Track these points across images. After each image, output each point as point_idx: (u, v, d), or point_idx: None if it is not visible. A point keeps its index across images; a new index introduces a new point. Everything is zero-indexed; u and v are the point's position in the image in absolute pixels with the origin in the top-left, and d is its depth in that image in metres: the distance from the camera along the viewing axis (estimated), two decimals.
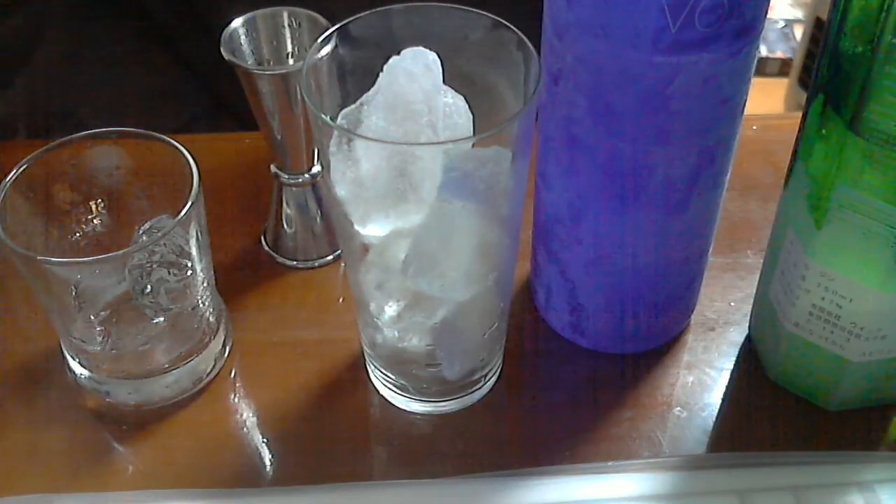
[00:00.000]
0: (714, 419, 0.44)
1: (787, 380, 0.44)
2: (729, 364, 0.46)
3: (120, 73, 0.70)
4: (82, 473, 0.42)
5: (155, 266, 0.40)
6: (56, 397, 0.44)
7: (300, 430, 0.43)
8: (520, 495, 0.41)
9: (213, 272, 0.44)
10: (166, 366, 0.43)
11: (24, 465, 0.42)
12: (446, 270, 0.38)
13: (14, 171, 0.40)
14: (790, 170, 0.40)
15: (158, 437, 0.43)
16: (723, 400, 0.44)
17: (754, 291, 0.46)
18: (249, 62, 0.45)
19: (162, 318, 0.42)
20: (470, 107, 0.37)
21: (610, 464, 0.42)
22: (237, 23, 0.44)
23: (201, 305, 0.43)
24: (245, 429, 0.44)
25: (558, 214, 0.42)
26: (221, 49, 0.43)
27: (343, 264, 0.51)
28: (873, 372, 0.41)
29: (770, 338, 0.44)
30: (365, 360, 0.45)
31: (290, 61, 0.46)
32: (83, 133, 0.42)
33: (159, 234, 0.40)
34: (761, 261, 0.45)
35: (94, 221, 0.44)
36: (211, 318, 0.45)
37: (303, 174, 0.48)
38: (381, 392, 0.44)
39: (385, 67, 0.36)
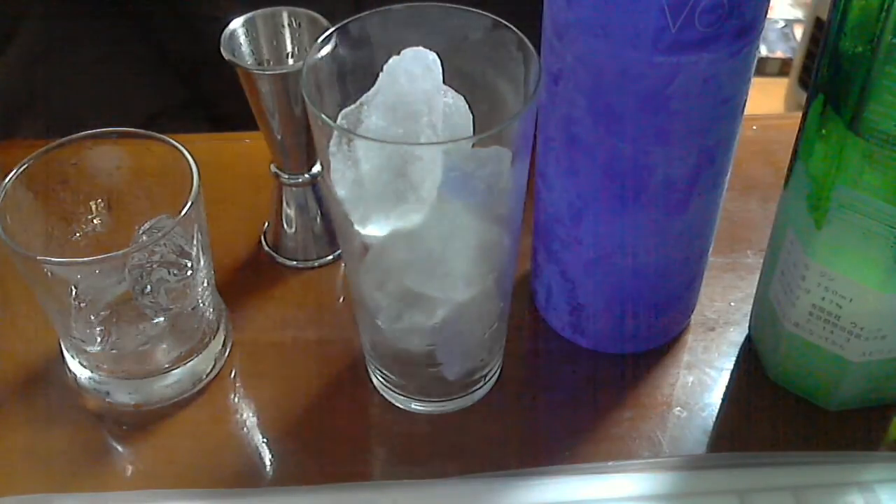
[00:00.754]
0: (714, 419, 0.44)
1: (787, 380, 0.44)
2: (729, 364, 0.46)
3: (88, 66, 0.70)
4: (82, 473, 0.42)
5: (155, 266, 0.40)
6: (56, 397, 0.44)
7: (300, 430, 0.43)
8: (520, 495, 0.41)
9: (213, 272, 0.44)
10: (166, 366, 0.43)
11: (24, 465, 0.42)
12: (446, 270, 0.38)
13: (14, 171, 0.40)
14: (790, 170, 0.40)
15: (158, 437, 0.43)
16: (723, 400, 0.44)
17: (754, 291, 0.46)
18: (249, 62, 0.45)
19: (162, 318, 0.42)
20: (470, 107, 0.37)
21: (610, 464, 0.42)
22: (237, 23, 0.44)
23: (201, 305, 0.43)
24: (245, 429, 0.44)
25: (558, 214, 0.42)
26: (221, 49, 0.43)
27: (343, 264, 0.51)
28: (873, 372, 0.41)
29: (770, 338, 0.44)
30: (365, 360, 0.45)
31: (290, 61, 0.46)
32: (83, 133, 0.42)
33: (159, 234, 0.40)
34: (761, 261, 0.45)
35: (94, 221, 0.44)
36: (211, 318, 0.45)
37: (303, 174, 0.48)
38: (381, 392, 0.44)
39: (385, 67, 0.36)
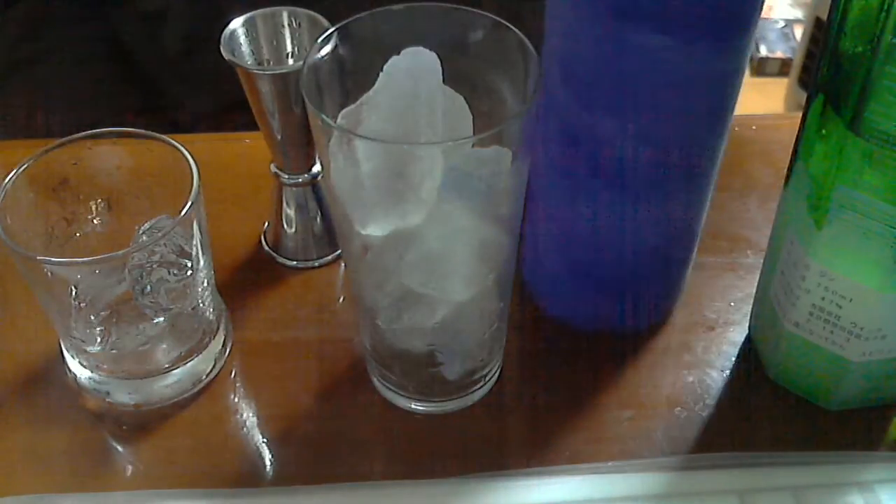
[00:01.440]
0: (714, 419, 0.44)
1: (787, 380, 0.44)
2: (729, 364, 0.46)
3: (52, 66, 0.70)
4: (82, 473, 0.42)
5: (155, 266, 0.40)
6: (56, 397, 0.44)
7: (300, 430, 0.43)
8: (520, 495, 0.41)
9: (213, 272, 0.44)
10: (166, 366, 0.43)
11: (24, 466, 0.42)
12: (446, 270, 0.38)
13: (14, 171, 0.40)
14: (790, 170, 0.40)
15: (158, 437, 0.43)
16: (723, 400, 0.44)
17: (754, 291, 0.46)
18: (249, 62, 0.45)
19: (162, 318, 0.42)
20: (470, 107, 0.37)
21: (610, 464, 0.42)
22: (237, 23, 0.44)
23: (201, 305, 0.43)
24: (245, 429, 0.44)
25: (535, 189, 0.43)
26: (221, 49, 0.43)
27: (343, 264, 0.51)
28: (873, 372, 0.41)
29: (770, 338, 0.44)
30: (365, 360, 0.45)
31: (290, 61, 0.46)
32: (83, 133, 0.42)
33: (159, 234, 0.40)
34: (761, 261, 0.45)
35: (94, 221, 0.44)
36: (211, 318, 0.45)
37: (303, 174, 0.48)
38: (382, 392, 0.44)
39: (385, 67, 0.36)
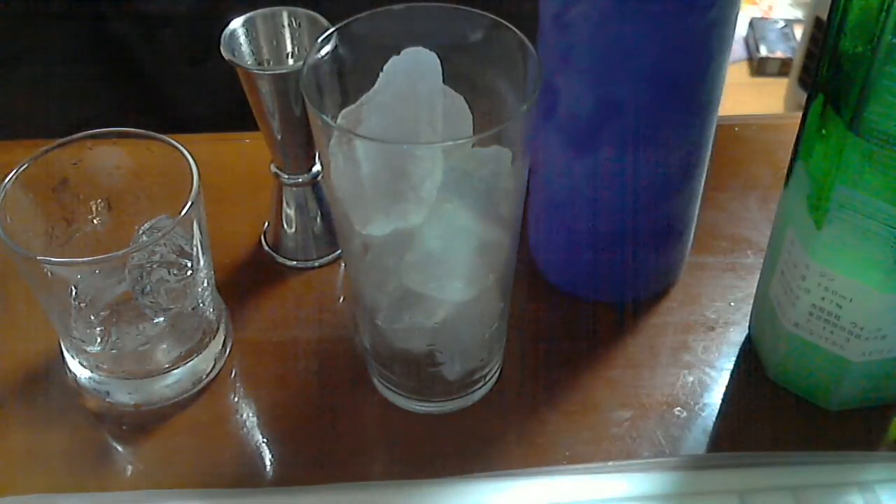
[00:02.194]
0: (714, 419, 0.44)
1: (787, 380, 0.44)
2: (729, 364, 0.46)
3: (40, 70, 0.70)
4: (82, 473, 0.42)
5: (155, 266, 0.40)
6: (56, 397, 0.44)
7: (300, 430, 0.43)
8: (520, 495, 0.41)
9: (213, 272, 0.44)
10: (166, 366, 0.43)
11: (24, 466, 0.42)
12: (446, 271, 0.38)
13: (14, 171, 0.40)
14: (790, 170, 0.40)
15: (158, 437, 0.43)
16: (723, 400, 0.44)
17: (754, 291, 0.46)
18: (249, 62, 0.45)
19: (162, 318, 0.42)
20: (470, 107, 0.37)
21: (610, 464, 0.42)
22: (237, 23, 0.44)
23: (201, 305, 0.43)
24: (245, 429, 0.44)
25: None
26: (221, 49, 0.43)
27: (343, 264, 0.51)
28: (873, 372, 0.41)
29: (770, 338, 0.44)
30: (365, 360, 0.45)
31: (290, 61, 0.46)
32: (83, 133, 0.42)
33: (159, 234, 0.40)
34: (761, 261, 0.45)
35: (94, 221, 0.44)
36: (211, 318, 0.45)
37: (303, 174, 0.48)
38: (381, 392, 0.44)
39: (385, 67, 0.36)
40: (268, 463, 0.42)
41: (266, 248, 0.52)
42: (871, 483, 0.41)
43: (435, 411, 0.44)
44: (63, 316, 0.41)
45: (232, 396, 0.45)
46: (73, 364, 0.44)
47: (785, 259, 0.41)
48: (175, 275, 0.41)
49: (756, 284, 0.46)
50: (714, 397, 0.44)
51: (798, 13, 2.04)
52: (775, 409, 0.44)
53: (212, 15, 0.49)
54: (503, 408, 0.44)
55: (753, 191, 0.55)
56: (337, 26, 0.37)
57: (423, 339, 0.40)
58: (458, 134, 0.37)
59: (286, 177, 0.48)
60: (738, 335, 0.47)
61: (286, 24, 0.45)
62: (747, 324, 0.47)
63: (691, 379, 0.45)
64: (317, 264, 0.51)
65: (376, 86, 0.36)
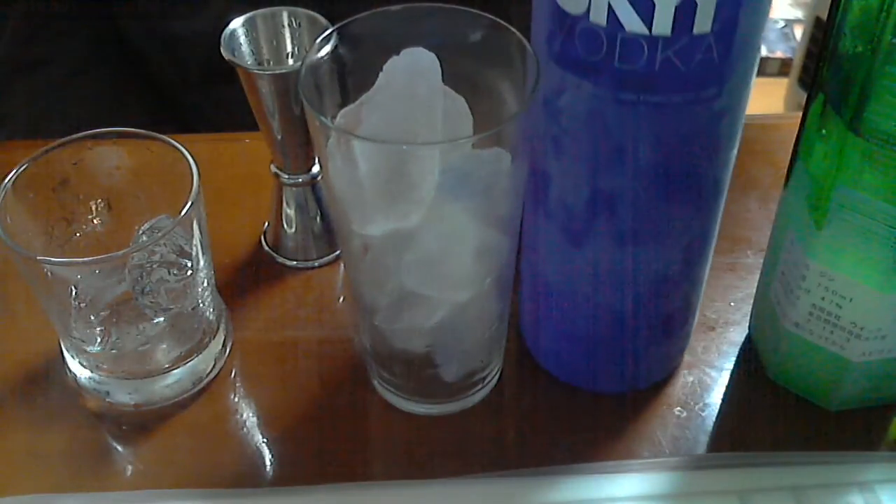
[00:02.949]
0: (714, 419, 0.44)
1: (787, 380, 0.44)
2: (729, 364, 0.46)
3: (59, 81, 0.70)
4: (82, 473, 0.42)
5: (155, 266, 0.40)
6: (56, 397, 0.44)
7: (300, 430, 0.43)
8: (520, 495, 0.41)
9: (213, 272, 0.44)
10: (166, 366, 0.43)
11: (24, 465, 0.42)
12: (445, 271, 0.38)
13: (14, 171, 0.40)
14: (790, 170, 0.40)
15: (158, 437, 0.43)
16: (723, 400, 0.44)
17: (754, 291, 0.46)
18: (249, 62, 0.45)
19: (162, 318, 0.42)
20: (470, 107, 0.37)
21: (610, 464, 0.42)
22: (237, 23, 0.44)
23: (201, 305, 0.43)
24: (245, 429, 0.44)
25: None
26: (221, 49, 0.43)
27: (343, 264, 0.51)
28: (873, 372, 0.41)
29: (770, 338, 0.44)
30: (365, 360, 0.45)
31: (290, 61, 0.46)
32: (83, 133, 0.42)
33: (159, 234, 0.40)
34: (761, 261, 0.45)
35: (94, 221, 0.44)
36: (211, 318, 0.45)
37: (303, 174, 0.48)
38: (381, 392, 0.44)
39: (385, 67, 0.36)
40: (268, 463, 0.42)
41: (266, 248, 0.52)
42: (871, 483, 0.41)
43: (435, 412, 0.44)
44: (63, 316, 0.41)
45: (232, 396, 0.45)
46: (73, 364, 0.44)
47: (785, 259, 0.41)
48: (175, 275, 0.41)
49: (756, 284, 0.46)
50: (714, 397, 0.44)
51: (798, 13, 2.04)
52: (775, 409, 0.44)
53: (211, 14, 0.49)
54: (503, 408, 0.44)
55: (753, 191, 0.55)
56: (336, 26, 0.37)
57: (422, 340, 0.40)
58: (457, 134, 0.37)
59: (286, 177, 0.48)
60: (738, 335, 0.47)
61: (286, 23, 0.45)
62: (747, 324, 0.47)
63: (691, 379, 0.45)
64: (317, 264, 0.51)
65: (375, 86, 0.36)
